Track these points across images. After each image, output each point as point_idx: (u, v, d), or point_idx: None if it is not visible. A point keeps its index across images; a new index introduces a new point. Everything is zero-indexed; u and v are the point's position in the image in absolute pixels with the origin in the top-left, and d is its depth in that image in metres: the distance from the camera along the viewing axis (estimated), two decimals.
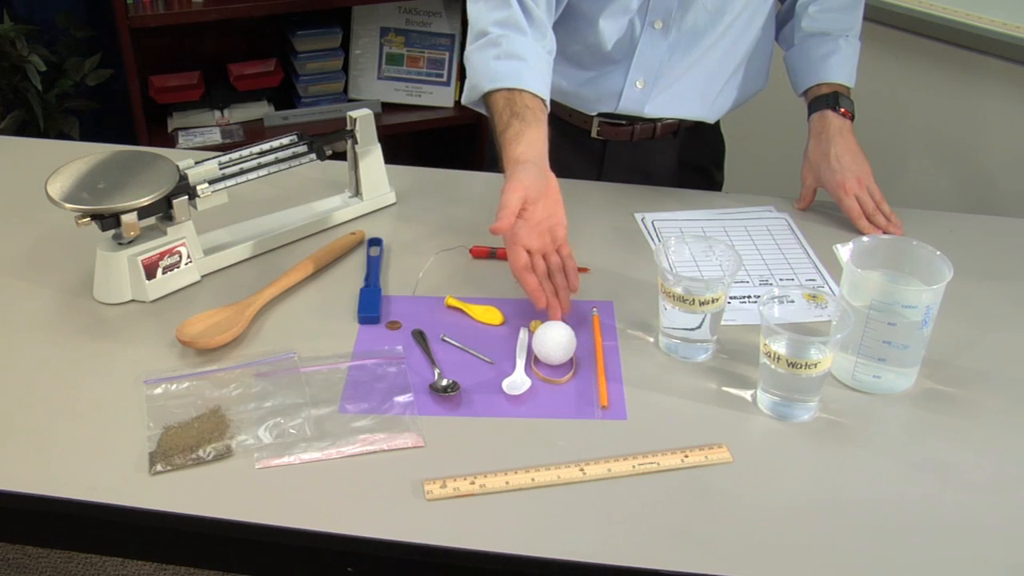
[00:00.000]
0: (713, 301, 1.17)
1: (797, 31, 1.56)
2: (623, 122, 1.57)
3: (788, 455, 1.08)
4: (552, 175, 1.27)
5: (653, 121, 1.57)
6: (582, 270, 1.32)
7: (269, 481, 1.02)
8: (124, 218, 1.23)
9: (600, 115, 1.57)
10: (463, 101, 1.40)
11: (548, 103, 1.33)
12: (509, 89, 1.30)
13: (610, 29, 1.47)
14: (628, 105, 1.53)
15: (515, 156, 1.24)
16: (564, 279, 1.25)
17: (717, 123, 1.67)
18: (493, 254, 1.37)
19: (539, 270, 1.24)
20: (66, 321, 1.24)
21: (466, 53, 1.38)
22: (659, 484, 1.03)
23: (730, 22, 1.48)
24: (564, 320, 1.22)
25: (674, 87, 1.52)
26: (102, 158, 1.31)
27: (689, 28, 1.47)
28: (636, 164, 1.62)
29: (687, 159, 1.65)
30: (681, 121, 1.59)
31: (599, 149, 1.62)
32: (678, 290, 1.17)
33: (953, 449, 1.09)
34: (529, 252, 1.24)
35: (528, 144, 1.25)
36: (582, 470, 1.03)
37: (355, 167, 1.46)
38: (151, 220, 1.28)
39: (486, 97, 1.33)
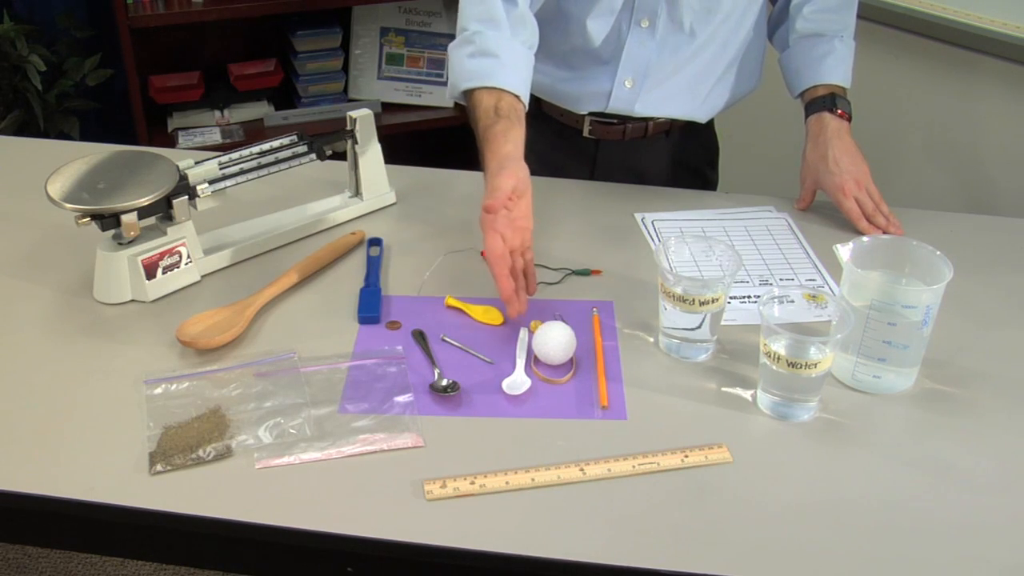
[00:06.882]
0: (713, 301, 1.17)
1: (792, 33, 1.56)
2: (614, 121, 1.57)
3: (788, 455, 1.08)
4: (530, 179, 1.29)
5: (644, 120, 1.57)
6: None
7: (269, 481, 1.02)
8: (124, 218, 1.23)
9: (591, 114, 1.57)
10: (448, 96, 1.43)
11: (526, 98, 1.35)
12: (491, 88, 1.32)
13: (597, 29, 1.47)
14: (617, 104, 1.53)
15: (506, 152, 1.26)
16: (525, 282, 1.26)
17: (711, 123, 1.67)
18: None
19: (511, 264, 1.24)
20: (66, 321, 1.24)
21: (448, 49, 1.41)
22: (659, 484, 1.03)
23: (719, 22, 1.48)
24: (562, 320, 1.22)
25: (663, 86, 1.52)
26: (102, 158, 1.31)
27: (677, 27, 1.47)
28: (628, 163, 1.62)
29: (680, 159, 1.65)
30: (673, 120, 1.58)
31: (591, 148, 1.62)
32: (678, 290, 1.17)
33: (953, 449, 1.09)
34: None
35: (515, 144, 1.28)
36: (582, 470, 1.03)
37: (355, 167, 1.46)
38: (151, 220, 1.28)
39: (469, 94, 1.35)
